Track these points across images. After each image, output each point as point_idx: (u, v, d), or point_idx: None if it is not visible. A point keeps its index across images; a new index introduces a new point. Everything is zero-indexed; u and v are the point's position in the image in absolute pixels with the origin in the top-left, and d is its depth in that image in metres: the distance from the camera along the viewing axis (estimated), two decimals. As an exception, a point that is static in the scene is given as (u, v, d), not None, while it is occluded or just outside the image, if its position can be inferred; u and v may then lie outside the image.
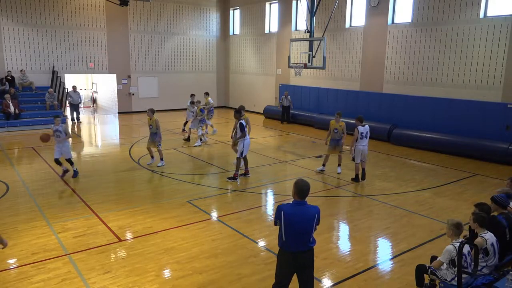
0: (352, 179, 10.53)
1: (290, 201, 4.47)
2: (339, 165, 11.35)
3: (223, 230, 7.38)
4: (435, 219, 7.97)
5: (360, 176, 10.44)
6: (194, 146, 14.52)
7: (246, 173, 10.81)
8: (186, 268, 5.98)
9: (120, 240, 6.88)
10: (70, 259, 6.17)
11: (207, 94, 16.99)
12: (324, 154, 11.62)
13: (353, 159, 10.43)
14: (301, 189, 4.33)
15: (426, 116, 14.87)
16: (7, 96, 17.35)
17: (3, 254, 6.31)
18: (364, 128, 10.36)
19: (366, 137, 10.41)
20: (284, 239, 4.36)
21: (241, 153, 10.32)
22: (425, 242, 6.97)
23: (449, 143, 13.68)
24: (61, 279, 5.61)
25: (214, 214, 8.25)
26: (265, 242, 6.92)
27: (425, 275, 5.11)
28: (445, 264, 4.81)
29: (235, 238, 7.03)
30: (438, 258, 4.92)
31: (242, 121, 10.38)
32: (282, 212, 4.32)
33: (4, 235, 6.93)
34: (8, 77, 18.88)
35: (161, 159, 11.70)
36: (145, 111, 14.51)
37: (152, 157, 11.81)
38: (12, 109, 17.34)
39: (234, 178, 10.42)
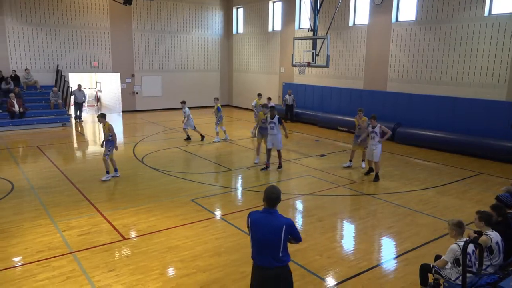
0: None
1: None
2: (363, 160, 11.52)
3: (226, 228, 7.39)
4: (439, 218, 7.94)
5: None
6: (214, 142, 14.91)
7: (267, 167, 11.40)
8: (190, 266, 5.99)
9: (124, 239, 6.91)
10: (75, 257, 6.20)
11: (260, 95, 17.02)
12: (328, 153, 11.65)
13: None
14: (268, 196, 3.95)
15: (430, 114, 14.81)
16: (11, 95, 17.43)
17: (8, 252, 6.35)
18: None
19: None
20: (251, 249, 4.06)
21: (272, 144, 11.20)
22: (429, 241, 6.95)
23: (453, 142, 13.62)
24: (65, 277, 5.63)
25: (218, 213, 8.26)
26: (269, 241, 6.91)
27: (430, 274, 5.10)
28: (449, 263, 4.80)
29: (239, 237, 7.04)
30: (442, 257, 4.91)
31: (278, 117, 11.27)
32: (249, 219, 4.02)
33: (9, 233, 7.01)
34: (13, 76, 18.95)
35: (107, 172, 10.30)
36: (150, 110, 14.64)
37: (116, 169, 10.55)
38: (16, 108, 17.42)
39: (280, 166, 11.41)
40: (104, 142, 10.24)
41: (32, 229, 7.23)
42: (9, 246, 6.56)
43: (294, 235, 3.98)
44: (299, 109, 20.06)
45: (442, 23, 14.59)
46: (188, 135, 15.18)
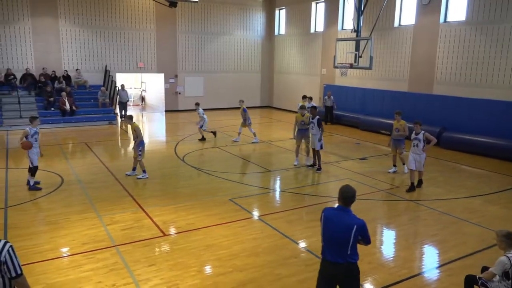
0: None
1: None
2: (403, 164, 11.04)
3: (264, 229, 7.40)
4: (487, 228, 7.54)
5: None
6: (253, 143, 14.91)
7: (314, 165, 11.59)
8: (227, 265, 6.06)
9: (164, 235, 7.09)
10: (118, 251, 6.44)
11: (305, 97, 16.46)
12: (368, 157, 11.41)
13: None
14: (343, 195, 4.04)
15: (479, 119, 14.09)
16: (63, 94, 18.41)
17: (57, 243, 6.71)
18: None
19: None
20: (322, 244, 4.17)
21: (322, 146, 11.33)
22: (475, 251, 6.62)
23: (504, 148, 12.88)
24: (108, 269, 5.86)
25: (255, 213, 8.29)
26: (306, 244, 6.86)
27: (475, 286, 4.86)
28: (497, 276, 4.56)
29: (276, 238, 7.03)
30: (490, 269, 4.68)
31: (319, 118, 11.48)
32: (323, 214, 4.17)
33: (58, 225, 7.40)
34: (65, 76, 19.99)
35: (143, 171, 10.39)
36: (192, 110, 14.93)
37: (134, 168, 10.61)
38: (68, 106, 18.37)
39: (319, 169, 11.39)
40: (135, 143, 10.42)
41: (79, 221, 7.59)
42: (58, 237, 6.93)
43: (364, 237, 4.06)
44: (340, 111, 19.73)
45: (495, 24, 13.86)
46: (203, 136, 15.24)
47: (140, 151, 10.34)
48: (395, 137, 10.96)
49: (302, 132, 11.79)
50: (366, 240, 4.09)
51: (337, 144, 15.34)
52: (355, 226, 3.94)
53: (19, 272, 3.25)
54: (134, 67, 22.37)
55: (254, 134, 15.23)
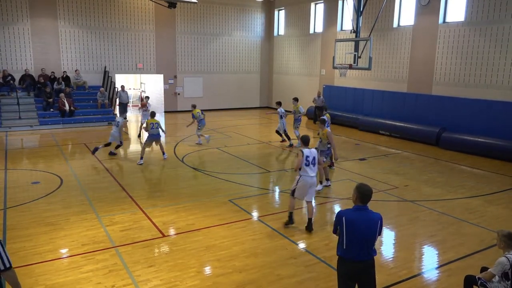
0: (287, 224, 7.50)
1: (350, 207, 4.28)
2: (327, 179, 9.94)
3: (263, 230, 7.40)
4: (486, 228, 7.56)
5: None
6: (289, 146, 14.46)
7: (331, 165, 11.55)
8: (226, 266, 6.06)
9: (163, 236, 7.09)
10: (117, 252, 6.43)
11: (296, 100, 15.13)
12: (368, 157, 11.38)
13: (293, 193, 7.41)
14: (365, 194, 4.11)
15: (479, 119, 14.11)
16: (62, 95, 18.40)
17: (57, 244, 6.70)
18: (310, 152, 7.25)
19: (313, 164, 7.22)
20: (344, 247, 4.14)
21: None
22: (475, 252, 6.63)
23: (504, 149, 12.90)
24: (108, 270, 5.86)
25: (255, 214, 8.29)
26: (306, 244, 6.86)
27: (474, 287, 4.87)
28: (497, 276, 4.57)
29: (276, 238, 7.03)
30: (489, 270, 4.68)
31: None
32: (344, 218, 4.12)
33: (57, 226, 7.40)
34: (64, 77, 19.97)
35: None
36: (191, 111, 14.91)
37: (163, 153, 12.48)
38: (67, 107, 18.35)
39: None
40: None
41: (78, 222, 7.58)
42: (57, 238, 6.92)
43: (381, 228, 4.21)
44: (339, 112, 19.73)
45: (494, 24, 13.88)
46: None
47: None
48: (321, 148, 9.78)
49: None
50: (380, 231, 4.22)
51: (337, 145, 15.30)
52: (379, 221, 4.13)
53: (7, 265, 3.31)
54: (133, 68, 22.36)
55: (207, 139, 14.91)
